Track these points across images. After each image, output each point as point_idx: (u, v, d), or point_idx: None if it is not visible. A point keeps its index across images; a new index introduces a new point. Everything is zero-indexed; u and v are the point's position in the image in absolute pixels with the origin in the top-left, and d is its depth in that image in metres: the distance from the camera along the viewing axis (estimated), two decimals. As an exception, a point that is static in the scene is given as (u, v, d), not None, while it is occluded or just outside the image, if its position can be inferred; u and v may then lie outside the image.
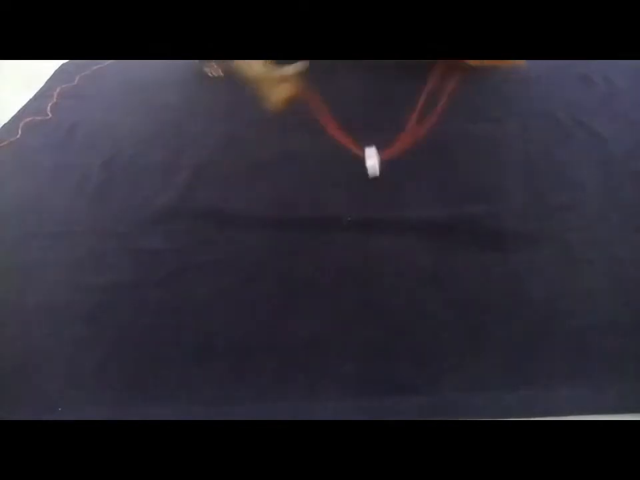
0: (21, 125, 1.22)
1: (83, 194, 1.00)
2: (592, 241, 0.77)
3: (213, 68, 1.35)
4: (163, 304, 0.77)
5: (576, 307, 0.68)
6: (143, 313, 0.76)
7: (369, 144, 0.89)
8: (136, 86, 1.38)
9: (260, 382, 0.65)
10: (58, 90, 1.37)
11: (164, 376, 0.68)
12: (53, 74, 1.48)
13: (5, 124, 1.25)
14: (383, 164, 0.89)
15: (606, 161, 0.90)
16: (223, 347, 0.70)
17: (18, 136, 1.19)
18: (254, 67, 0.79)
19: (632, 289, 0.70)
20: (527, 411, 0.58)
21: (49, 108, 1.29)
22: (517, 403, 0.59)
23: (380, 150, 0.89)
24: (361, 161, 0.90)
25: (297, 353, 0.68)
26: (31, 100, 1.35)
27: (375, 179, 0.91)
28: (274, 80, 0.80)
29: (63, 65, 1.52)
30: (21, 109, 1.31)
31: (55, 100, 1.33)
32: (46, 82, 1.44)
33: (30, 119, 1.25)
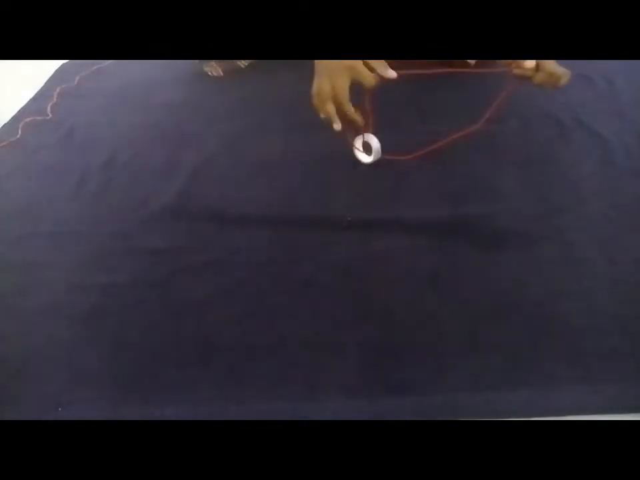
0: (21, 125, 1.22)
1: (83, 194, 1.01)
2: (592, 241, 0.76)
3: (213, 68, 1.36)
4: (162, 304, 0.77)
5: (576, 307, 0.68)
6: (142, 313, 0.76)
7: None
8: (136, 86, 1.39)
9: (260, 382, 0.65)
10: (58, 90, 1.37)
11: (164, 376, 0.68)
12: (53, 74, 1.48)
13: (5, 124, 1.26)
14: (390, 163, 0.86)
15: (606, 160, 0.90)
16: (222, 346, 0.70)
17: (18, 136, 1.20)
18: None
19: (632, 289, 0.70)
20: (527, 411, 0.58)
21: (49, 108, 1.29)
22: (517, 402, 0.59)
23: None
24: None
25: (296, 352, 0.68)
26: (31, 100, 1.36)
27: (375, 178, 0.91)
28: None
29: (63, 64, 1.52)
30: (21, 109, 1.31)
31: (54, 100, 1.33)
32: (46, 82, 1.44)
33: (30, 118, 1.25)
